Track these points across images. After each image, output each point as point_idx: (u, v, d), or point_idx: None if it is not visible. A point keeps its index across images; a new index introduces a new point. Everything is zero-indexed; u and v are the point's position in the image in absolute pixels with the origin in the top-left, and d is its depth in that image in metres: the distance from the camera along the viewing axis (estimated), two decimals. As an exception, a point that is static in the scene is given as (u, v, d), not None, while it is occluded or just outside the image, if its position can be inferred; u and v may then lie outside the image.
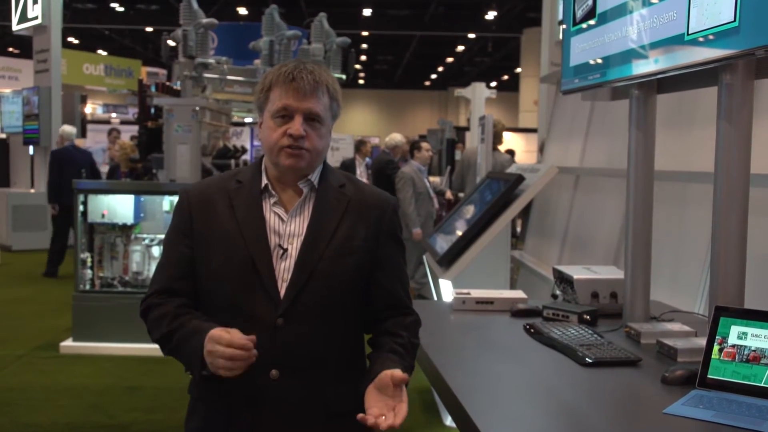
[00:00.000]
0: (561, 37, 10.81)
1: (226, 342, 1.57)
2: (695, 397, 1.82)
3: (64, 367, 5.55)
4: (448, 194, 8.96)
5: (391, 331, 1.83)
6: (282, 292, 1.73)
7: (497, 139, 7.58)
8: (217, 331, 1.60)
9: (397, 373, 1.63)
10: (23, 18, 11.75)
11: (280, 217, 1.79)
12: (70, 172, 8.78)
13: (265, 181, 1.81)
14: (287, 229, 1.78)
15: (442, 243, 4.77)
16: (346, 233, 1.78)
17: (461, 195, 8.30)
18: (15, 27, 12.04)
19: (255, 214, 1.78)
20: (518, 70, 23.91)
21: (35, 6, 11.40)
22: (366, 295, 1.84)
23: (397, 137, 8.92)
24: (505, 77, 31.67)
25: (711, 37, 1.97)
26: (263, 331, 1.70)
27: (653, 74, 2.32)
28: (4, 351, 5.92)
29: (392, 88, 36.09)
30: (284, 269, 1.75)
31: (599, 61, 2.61)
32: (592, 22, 2.66)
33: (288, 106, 1.73)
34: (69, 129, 9.64)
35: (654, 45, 2.27)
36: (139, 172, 9.07)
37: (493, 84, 26.50)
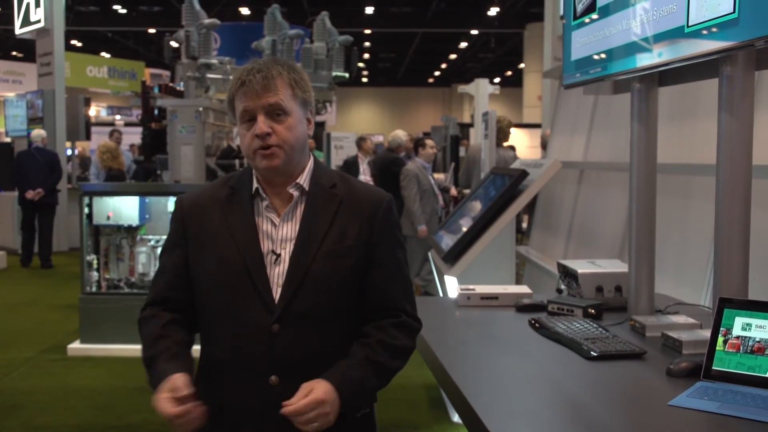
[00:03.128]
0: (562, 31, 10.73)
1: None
2: (700, 389, 1.82)
3: (72, 369, 5.58)
4: (453, 191, 8.95)
5: (364, 333, 1.79)
6: (277, 298, 1.72)
7: (503, 136, 7.57)
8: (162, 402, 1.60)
9: (313, 393, 1.61)
10: (26, 22, 11.78)
11: (272, 221, 1.77)
12: (31, 170, 9.89)
13: (255, 185, 1.79)
14: (279, 233, 1.76)
15: (447, 239, 4.77)
16: (338, 234, 1.76)
17: (466, 191, 8.31)
18: (18, 31, 12.07)
19: (246, 220, 1.77)
20: (521, 65, 23.89)
21: (38, 10, 11.43)
22: (362, 295, 1.81)
23: (400, 135, 8.92)
24: (509, 73, 31.66)
25: (711, 29, 1.97)
26: (259, 338, 1.70)
27: (654, 67, 2.32)
28: (13, 354, 5.95)
29: (395, 85, 36.10)
30: (278, 274, 1.73)
31: (600, 55, 2.62)
32: (593, 16, 2.66)
33: (246, 108, 1.72)
34: (35, 133, 10.43)
35: (654, 38, 2.27)
36: (114, 173, 9.26)
37: (497, 80, 26.51)
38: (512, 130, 8.40)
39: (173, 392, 1.59)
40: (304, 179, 1.80)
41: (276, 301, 1.71)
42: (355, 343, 1.77)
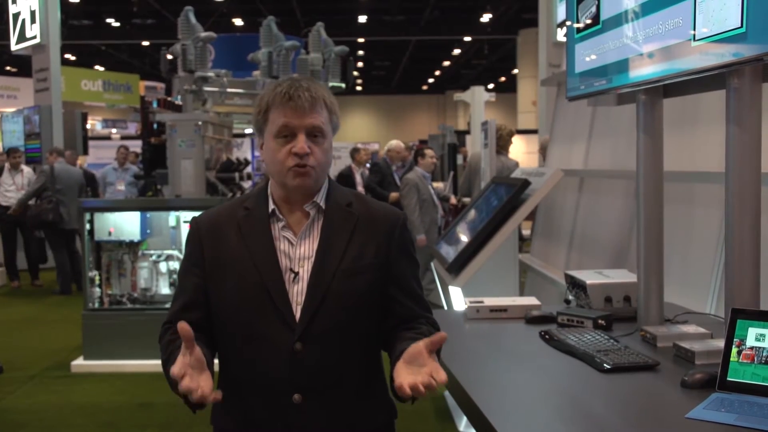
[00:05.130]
0: (558, 38, 10.72)
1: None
2: (716, 401, 1.83)
3: (76, 386, 5.56)
4: (453, 200, 8.96)
5: (407, 327, 1.81)
6: (297, 316, 1.72)
7: (504, 144, 7.58)
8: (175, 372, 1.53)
9: (428, 339, 1.56)
10: (22, 38, 11.77)
11: (289, 240, 1.78)
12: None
13: (272, 206, 1.80)
14: (297, 252, 1.77)
15: (450, 250, 4.79)
16: (356, 252, 1.77)
17: (466, 200, 8.32)
18: (14, 47, 12.05)
19: (264, 239, 1.77)
20: (515, 71, 23.95)
21: (33, 25, 11.43)
22: (382, 311, 1.83)
23: (391, 143, 9.01)
24: (503, 79, 31.72)
25: (718, 42, 1.99)
26: (282, 357, 1.71)
27: (660, 80, 2.33)
28: (16, 372, 5.92)
29: (390, 93, 36.16)
30: (297, 293, 1.74)
31: (605, 67, 2.63)
32: (596, 28, 2.68)
33: (289, 124, 1.72)
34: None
35: (660, 51, 2.28)
36: None
37: (491, 86, 26.58)
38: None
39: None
40: (320, 198, 1.81)
41: (297, 320, 1.72)
42: (405, 331, 1.77)
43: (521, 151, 16.73)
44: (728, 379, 1.90)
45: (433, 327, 1.85)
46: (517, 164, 7.40)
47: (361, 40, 23.86)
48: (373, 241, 1.80)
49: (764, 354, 1.87)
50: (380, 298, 1.81)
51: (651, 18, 2.31)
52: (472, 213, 5.19)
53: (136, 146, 12.54)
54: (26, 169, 10.16)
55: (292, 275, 1.75)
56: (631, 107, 2.76)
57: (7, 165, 10.12)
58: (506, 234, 4.45)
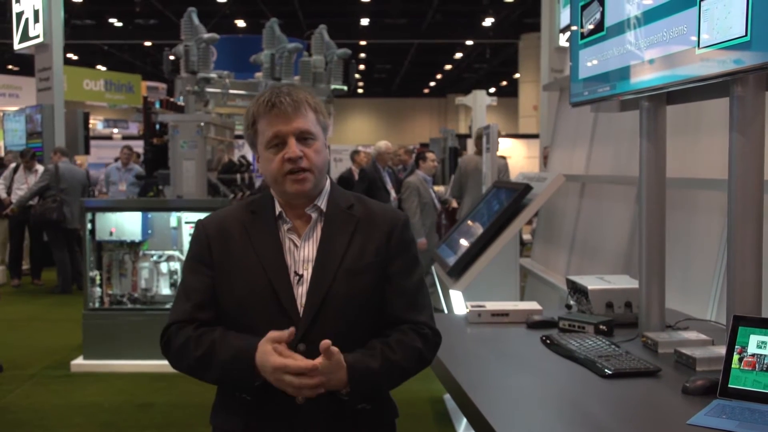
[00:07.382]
0: (560, 43, 10.70)
1: (293, 371, 1.62)
2: (718, 407, 1.84)
3: (76, 385, 5.56)
4: (453, 203, 8.96)
5: (384, 334, 1.79)
6: (301, 318, 1.74)
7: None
8: (277, 360, 1.63)
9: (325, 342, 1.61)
10: (25, 37, 11.78)
11: (294, 243, 1.80)
12: None
13: (278, 209, 1.82)
14: (300, 254, 1.79)
15: (451, 254, 4.79)
16: (356, 253, 1.79)
17: (456, 202, 8.36)
18: (17, 46, 12.05)
19: (272, 242, 1.79)
20: (517, 75, 23.99)
21: (36, 25, 11.43)
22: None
23: (379, 145, 8.89)
24: (504, 83, 31.76)
25: (722, 50, 1.99)
26: None
27: (663, 87, 2.34)
28: (16, 370, 5.92)
29: (391, 96, 36.18)
30: (301, 294, 1.76)
31: (609, 74, 2.64)
32: (601, 34, 2.68)
33: (278, 132, 1.74)
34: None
35: (664, 58, 2.29)
36: None
37: (492, 90, 26.60)
38: (509, 140, 8.43)
39: (279, 341, 1.63)
40: (321, 201, 1.83)
41: (300, 321, 1.73)
42: (373, 339, 1.78)
43: (522, 156, 16.73)
44: (729, 386, 1.91)
45: (417, 334, 1.79)
46: (506, 162, 7.45)
47: (363, 42, 23.89)
48: (373, 241, 1.81)
49: (766, 361, 1.88)
50: (381, 298, 1.81)
51: (655, 25, 2.31)
52: (473, 217, 5.19)
53: (137, 146, 12.53)
54: (41, 170, 10.17)
55: (297, 277, 1.77)
56: (633, 113, 2.77)
57: (22, 164, 10.16)
58: (507, 238, 4.45)
